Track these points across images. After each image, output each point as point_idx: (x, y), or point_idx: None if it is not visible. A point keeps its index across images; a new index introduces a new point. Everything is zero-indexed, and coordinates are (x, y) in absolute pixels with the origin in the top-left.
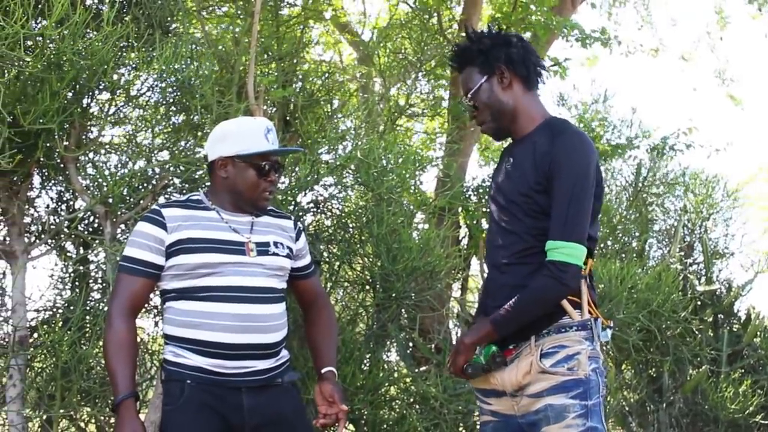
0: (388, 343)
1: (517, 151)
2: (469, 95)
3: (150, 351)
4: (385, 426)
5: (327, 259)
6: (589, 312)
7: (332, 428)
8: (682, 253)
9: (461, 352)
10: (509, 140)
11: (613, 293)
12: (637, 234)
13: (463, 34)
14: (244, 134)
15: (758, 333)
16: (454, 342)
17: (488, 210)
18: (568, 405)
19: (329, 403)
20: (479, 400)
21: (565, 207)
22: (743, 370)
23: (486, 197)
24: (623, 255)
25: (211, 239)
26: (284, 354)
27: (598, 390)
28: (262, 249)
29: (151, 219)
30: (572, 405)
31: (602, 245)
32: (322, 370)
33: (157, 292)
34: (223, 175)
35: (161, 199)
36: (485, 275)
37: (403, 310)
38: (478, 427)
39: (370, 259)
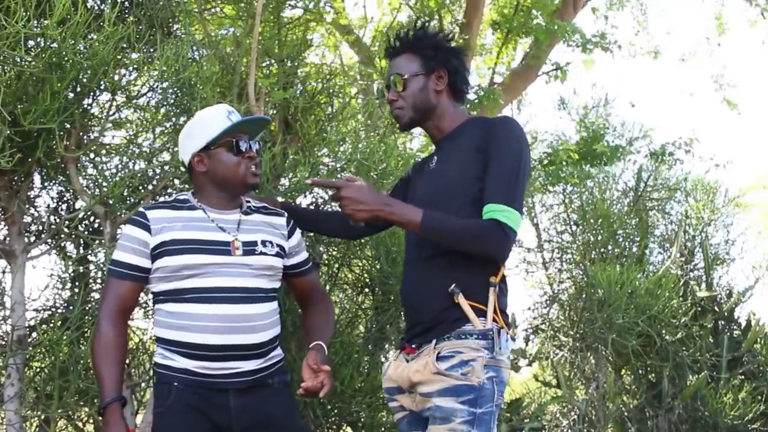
0: (387, 345)
1: (444, 147)
2: (402, 77)
3: (149, 352)
4: (383, 429)
5: (326, 262)
6: (495, 320)
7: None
8: (683, 259)
9: (373, 210)
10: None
11: (612, 298)
12: (637, 239)
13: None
14: (207, 122)
15: (758, 339)
16: None
17: None
18: (456, 409)
19: (315, 372)
20: (389, 400)
21: (506, 175)
22: (743, 377)
23: None
24: (623, 260)
25: (195, 240)
26: (275, 354)
27: (493, 399)
28: (249, 248)
29: (136, 222)
30: (460, 410)
31: (602, 250)
32: (311, 344)
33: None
34: (202, 169)
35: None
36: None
37: (401, 312)
38: None
39: (369, 262)
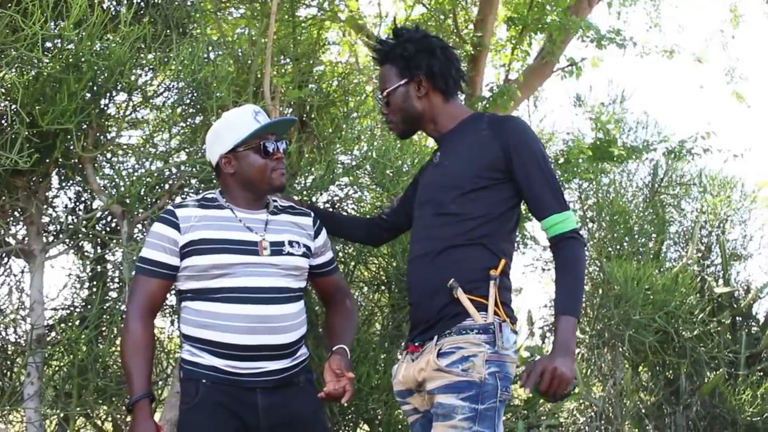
0: (403, 343)
1: (446, 144)
2: (384, 93)
3: (166, 350)
4: (400, 426)
5: (342, 260)
6: (496, 314)
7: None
8: (700, 255)
9: (564, 380)
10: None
11: (629, 294)
12: (653, 235)
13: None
14: (235, 124)
15: None
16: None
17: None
18: (457, 406)
19: (338, 377)
20: (400, 403)
21: (545, 181)
22: (762, 373)
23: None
24: (640, 256)
25: (224, 239)
26: (302, 353)
27: (496, 394)
28: (276, 248)
29: (165, 219)
30: (461, 407)
31: (618, 246)
32: (334, 347)
33: (174, 292)
34: (230, 171)
35: (177, 199)
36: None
37: None
38: None
39: (386, 259)
